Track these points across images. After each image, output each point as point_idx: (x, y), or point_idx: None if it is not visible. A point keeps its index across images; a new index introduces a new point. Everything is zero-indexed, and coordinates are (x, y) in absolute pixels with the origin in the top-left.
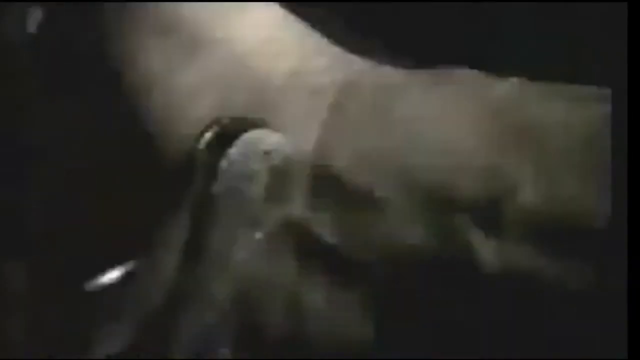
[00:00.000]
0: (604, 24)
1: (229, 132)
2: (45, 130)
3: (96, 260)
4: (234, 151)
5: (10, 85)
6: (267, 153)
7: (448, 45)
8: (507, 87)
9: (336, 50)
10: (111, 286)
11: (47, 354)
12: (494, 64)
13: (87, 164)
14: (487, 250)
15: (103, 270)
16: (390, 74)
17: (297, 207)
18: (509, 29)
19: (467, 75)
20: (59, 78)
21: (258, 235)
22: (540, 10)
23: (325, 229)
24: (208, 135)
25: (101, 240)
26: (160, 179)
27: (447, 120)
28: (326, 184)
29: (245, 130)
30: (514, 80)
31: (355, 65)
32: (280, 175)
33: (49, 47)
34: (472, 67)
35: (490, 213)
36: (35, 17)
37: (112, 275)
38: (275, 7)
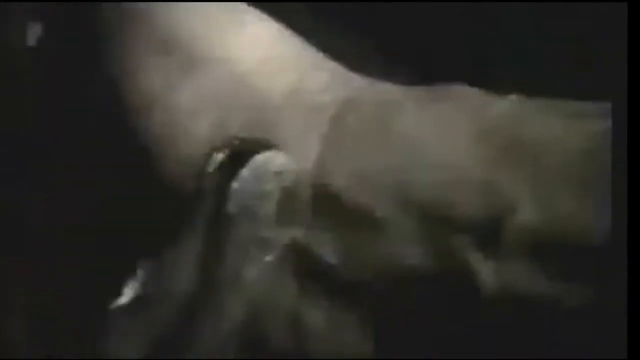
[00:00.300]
0: (604, 24)
1: (240, 153)
2: (45, 142)
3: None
4: (245, 172)
5: (10, 96)
6: (277, 174)
7: (448, 46)
8: (505, 105)
9: (334, 66)
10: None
11: (47, 354)
12: (494, 65)
13: (87, 177)
14: (486, 269)
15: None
16: (388, 91)
17: (300, 227)
18: (508, 29)
19: (464, 92)
20: (58, 94)
21: (269, 257)
22: (540, 11)
23: (325, 249)
24: (220, 156)
25: (101, 251)
26: (159, 194)
27: (446, 138)
28: (326, 203)
29: (257, 152)
30: (512, 97)
31: (354, 82)
32: (291, 196)
33: (48, 62)
34: (472, 67)
35: (489, 232)
36: (34, 31)
37: (123, 298)
38: (271, 22)
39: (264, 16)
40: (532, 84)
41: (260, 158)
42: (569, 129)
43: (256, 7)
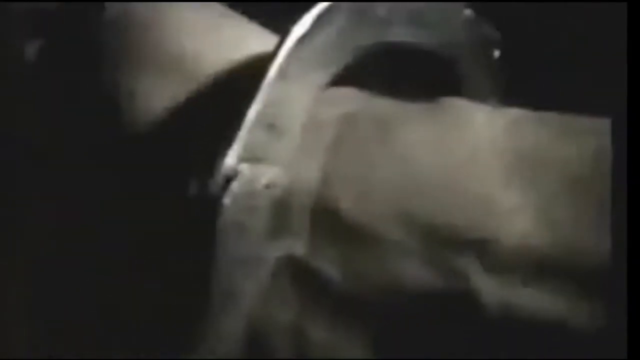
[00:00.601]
0: (604, 24)
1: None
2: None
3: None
4: (235, 186)
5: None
6: (268, 187)
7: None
8: (504, 119)
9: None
10: None
11: (47, 354)
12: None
13: (87, 179)
14: (488, 288)
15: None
16: (387, 106)
17: (299, 243)
18: (508, 29)
19: (462, 106)
20: (57, 114)
21: (263, 271)
22: (540, 10)
23: (325, 263)
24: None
25: (102, 251)
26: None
27: (446, 156)
28: (326, 218)
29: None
30: (510, 110)
31: (353, 97)
32: (282, 210)
33: (46, 79)
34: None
35: (491, 251)
36: (33, 46)
37: None
38: (271, 37)
39: (265, 33)
40: (531, 85)
41: (249, 172)
42: (569, 146)
43: (251, 15)
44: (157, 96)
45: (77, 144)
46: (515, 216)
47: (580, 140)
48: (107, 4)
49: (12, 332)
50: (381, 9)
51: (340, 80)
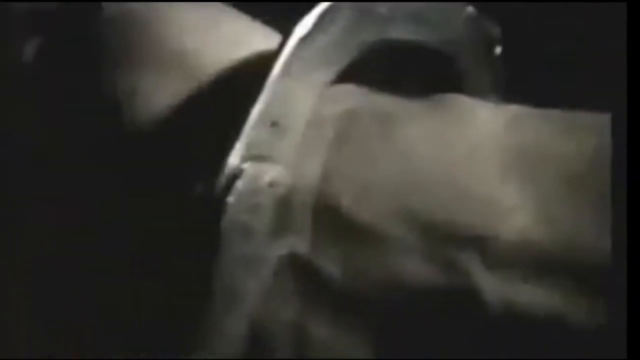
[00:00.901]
0: (604, 24)
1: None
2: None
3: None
4: (239, 185)
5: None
6: (271, 185)
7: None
8: (503, 115)
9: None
10: None
11: (47, 354)
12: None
13: (87, 179)
14: (489, 286)
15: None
16: (386, 102)
17: (300, 241)
18: (509, 26)
19: (462, 102)
20: (56, 114)
21: (266, 269)
22: (540, 10)
23: (326, 261)
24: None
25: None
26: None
27: (446, 153)
28: (327, 216)
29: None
30: (511, 106)
31: (352, 93)
32: (285, 208)
33: (45, 78)
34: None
35: (491, 249)
36: (33, 46)
37: None
38: (272, 34)
39: (267, 30)
40: (531, 84)
41: (253, 170)
42: (570, 143)
43: (252, 15)
44: (159, 94)
45: (77, 143)
46: (515, 213)
47: (580, 137)
48: (104, 3)
49: (12, 332)
50: (383, 7)
51: (342, 77)
